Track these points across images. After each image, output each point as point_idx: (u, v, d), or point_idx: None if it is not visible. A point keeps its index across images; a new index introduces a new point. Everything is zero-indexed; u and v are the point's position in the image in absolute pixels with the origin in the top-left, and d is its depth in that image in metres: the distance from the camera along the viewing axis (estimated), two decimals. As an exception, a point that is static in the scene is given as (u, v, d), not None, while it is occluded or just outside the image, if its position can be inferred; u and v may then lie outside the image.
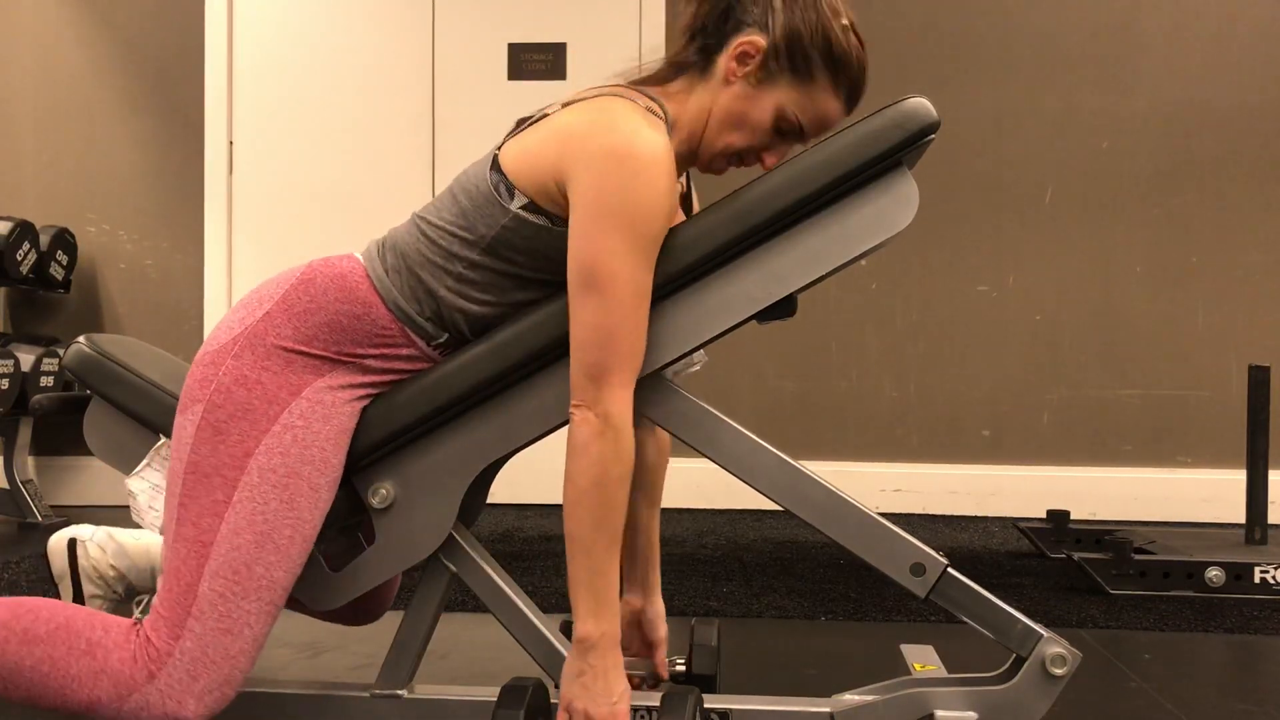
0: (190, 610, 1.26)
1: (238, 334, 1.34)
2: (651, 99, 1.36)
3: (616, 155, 1.25)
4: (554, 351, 1.33)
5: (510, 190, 1.31)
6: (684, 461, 3.91)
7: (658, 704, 1.28)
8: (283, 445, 1.30)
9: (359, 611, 1.63)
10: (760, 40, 1.34)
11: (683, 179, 1.52)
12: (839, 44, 1.34)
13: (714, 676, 1.58)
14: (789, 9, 1.34)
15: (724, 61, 1.36)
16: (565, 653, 1.37)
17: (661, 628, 1.62)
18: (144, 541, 1.71)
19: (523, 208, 1.30)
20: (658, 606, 1.63)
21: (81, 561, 1.69)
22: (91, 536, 1.70)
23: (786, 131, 1.37)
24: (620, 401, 1.25)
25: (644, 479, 1.61)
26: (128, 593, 1.72)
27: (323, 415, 1.32)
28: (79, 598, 1.69)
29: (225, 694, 1.27)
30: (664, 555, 3.07)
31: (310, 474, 1.31)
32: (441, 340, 1.37)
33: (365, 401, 1.37)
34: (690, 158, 1.42)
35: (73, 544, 1.69)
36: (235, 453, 1.29)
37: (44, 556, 1.71)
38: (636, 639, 1.63)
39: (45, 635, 1.28)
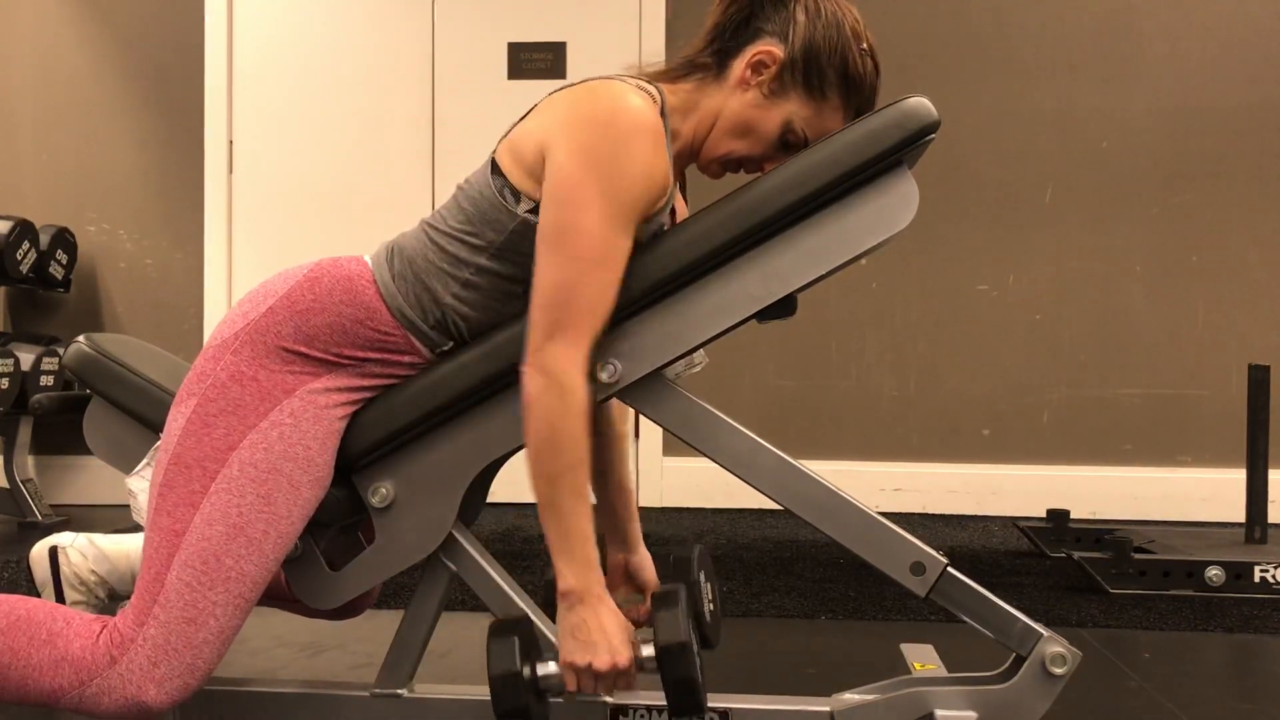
0: (157, 598, 1.26)
1: (240, 329, 1.34)
2: (648, 85, 1.36)
3: (598, 120, 1.26)
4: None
5: (515, 194, 1.31)
6: (684, 461, 3.93)
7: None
8: (267, 441, 1.30)
9: (345, 607, 1.63)
10: (778, 51, 1.34)
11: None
12: (855, 66, 1.35)
13: (695, 584, 1.55)
14: (811, 24, 1.34)
15: (738, 67, 1.36)
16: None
17: (649, 574, 1.61)
18: (124, 546, 1.72)
19: (529, 211, 1.30)
20: (642, 554, 1.61)
21: (63, 568, 1.69)
22: (72, 543, 1.71)
23: (791, 145, 1.37)
24: (566, 359, 1.24)
25: (608, 431, 1.59)
26: (110, 597, 1.72)
27: (313, 416, 1.32)
28: (62, 604, 1.70)
29: (188, 683, 1.26)
30: (663, 551, 3.07)
31: (292, 471, 1.31)
32: (446, 349, 1.38)
33: (358, 406, 1.37)
34: (690, 156, 1.42)
35: (54, 551, 1.70)
36: (219, 446, 1.29)
37: (27, 565, 1.72)
38: (627, 590, 1.62)
39: (5, 628, 1.29)
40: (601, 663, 1.23)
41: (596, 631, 1.24)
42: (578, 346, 1.25)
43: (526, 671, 1.23)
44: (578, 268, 1.25)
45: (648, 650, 1.25)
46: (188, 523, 1.28)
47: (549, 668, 1.26)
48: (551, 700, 1.28)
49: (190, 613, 1.26)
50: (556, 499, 1.25)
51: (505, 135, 1.37)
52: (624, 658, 1.24)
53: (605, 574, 1.48)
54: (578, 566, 1.26)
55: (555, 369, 1.24)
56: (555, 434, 1.24)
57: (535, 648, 1.28)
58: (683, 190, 1.57)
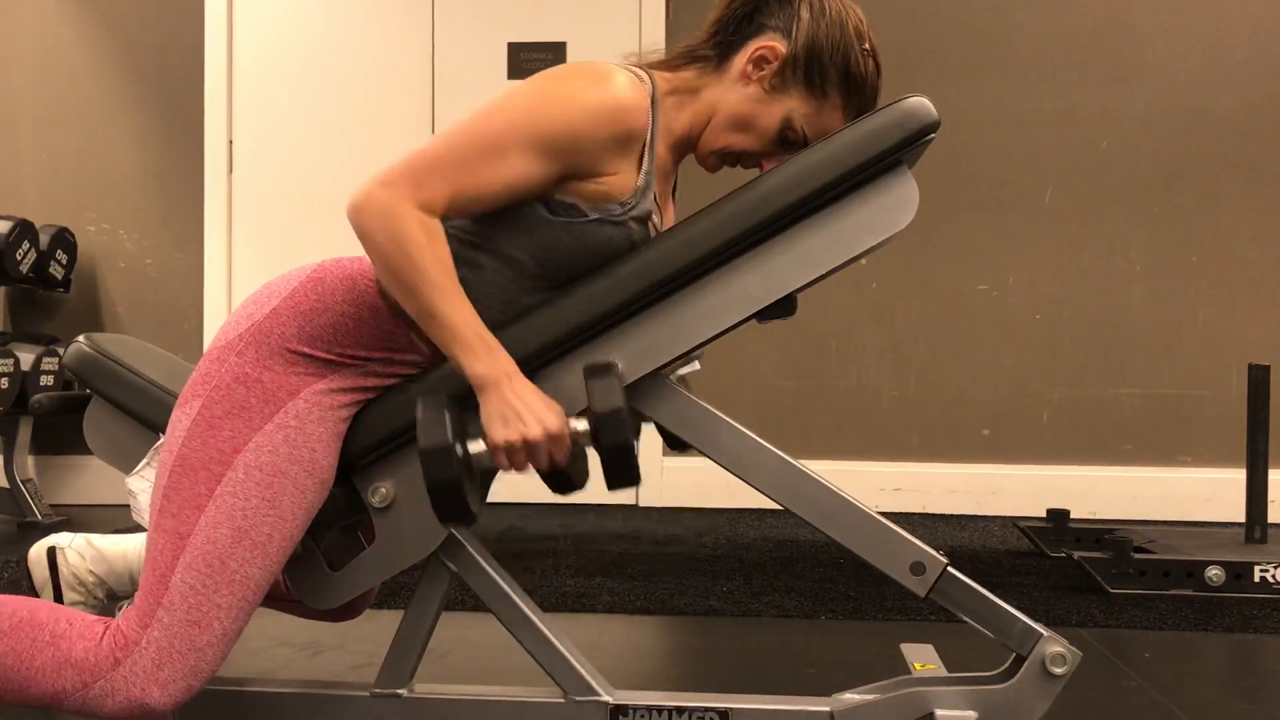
0: (161, 600, 1.26)
1: (244, 330, 1.34)
2: (640, 70, 1.36)
3: (569, 66, 1.31)
4: (552, 351, 1.33)
5: None
6: (684, 460, 3.93)
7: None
8: (273, 444, 1.30)
9: (343, 607, 1.63)
10: (780, 47, 1.34)
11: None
12: (857, 66, 1.35)
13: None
14: (815, 22, 1.34)
15: (740, 61, 1.36)
16: (567, 654, 1.37)
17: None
18: (122, 546, 1.72)
19: (526, 204, 1.30)
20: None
21: (62, 569, 1.69)
22: (70, 543, 1.71)
23: (790, 142, 1.37)
24: (397, 195, 1.23)
25: None
26: (109, 597, 1.72)
27: (318, 417, 1.32)
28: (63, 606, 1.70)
29: (191, 685, 1.26)
30: (664, 554, 3.08)
31: (297, 474, 1.31)
32: None
33: (361, 406, 1.37)
34: (687, 146, 1.42)
35: (52, 552, 1.70)
36: (224, 448, 1.29)
37: (25, 567, 1.72)
38: None
39: (8, 630, 1.28)
40: (533, 432, 1.22)
41: (520, 405, 1.23)
42: (417, 190, 1.24)
43: (459, 450, 1.21)
44: (463, 146, 1.25)
45: (580, 424, 1.23)
46: (193, 525, 1.28)
47: (480, 445, 1.24)
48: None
49: (195, 615, 1.26)
50: (426, 305, 1.24)
51: None
52: (553, 424, 1.22)
53: None
54: (479, 353, 1.24)
55: (378, 194, 1.24)
56: (395, 248, 1.23)
57: (466, 424, 1.25)
58: (674, 192, 1.56)
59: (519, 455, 1.24)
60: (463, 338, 1.24)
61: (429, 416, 1.21)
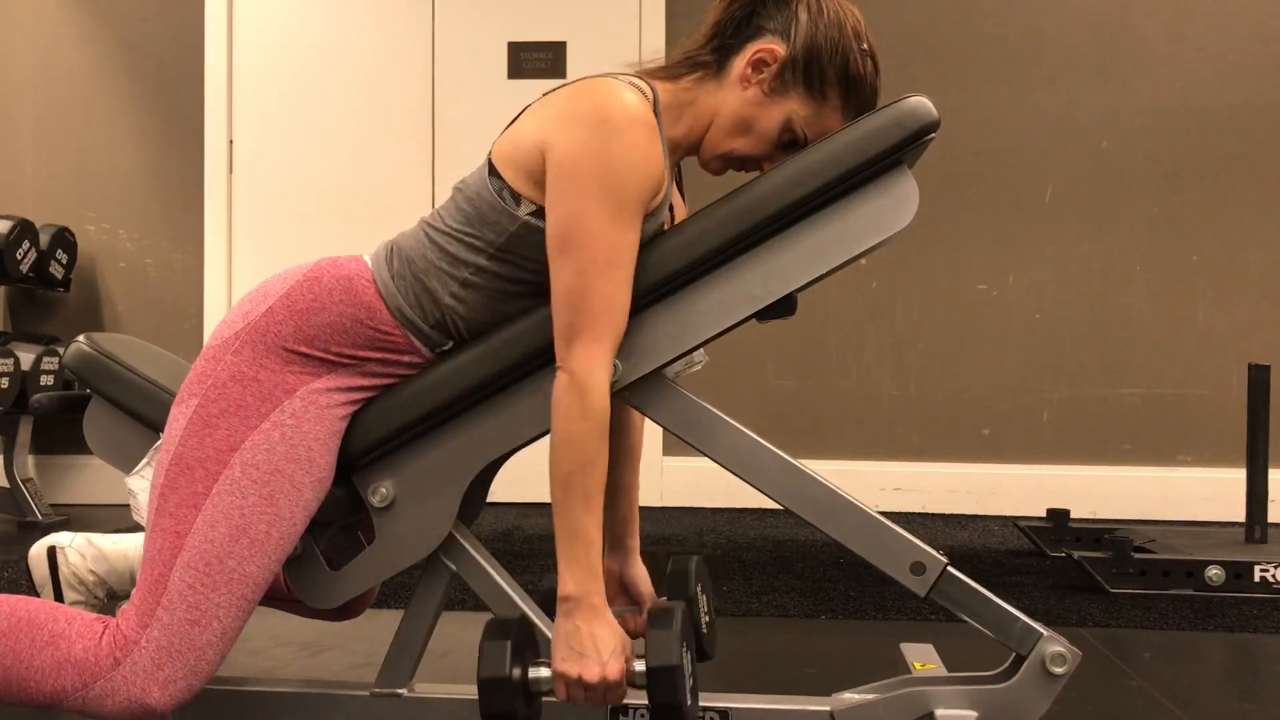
0: (160, 600, 1.26)
1: (240, 329, 1.34)
2: (641, 81, 1.36)
3: (593, 118, 1.26)
4: (552, 351, 1.33)
5: (516, 197, 1.31)
6: (684, 460, 3.93)
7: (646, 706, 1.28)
8: (269, 442, 1.30)
9: (344, 607, 1.63)
10: (779, 49, 1.34)
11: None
12: (856, 66, 1.35)
13: (693, 598, 1.54)
14: (813, 23, 1.34)
15: (739, 64, 1.36)
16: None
17: (644, 586, 1.60)
18: (122, 546, 1.72)
19: (531, 214, 1.31)
20: (638, 566, 1.60)
21: (62, 569, 1.69)
22: (70, 543, 1.71)
23: (790, 144, 1.37)
24: (587, 359, 1.25)
25: (623, 439, 1.59)
26: (109, 596, 1.72)
27: (314, 416, 1.32)
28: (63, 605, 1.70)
29: (191, 684, 1.27)
30: (664, 553, 3.07)
31: (294, 472, 1.31)
32: (446, 348, 1.38)
33: (359, 406, 1.37)
34: (688, 151, 1.42)
35: (52, 551, 1.70)
36: (221, 447, 1.29)
37: (26, 566, 1.72)
38: (621, 601, 1.61)
39: (7, 630, 1.28)
40: (591, 675, 1.22)
41: (589, 642, 1.23)
42: (596, 344, 1.26)
43: (516, 674, 1.23)
44: (589, 270, 1.25)
45: (639, 665, 1.24)
46: (190, 524, 1.28)
47: (541, 671, 1.26)
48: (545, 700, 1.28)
49: (194, 614, 1.26)
50: (567, 502, 1.25)
51: (501, 135, 1.37)
52: (614, 672, 1.23)
53: None
54: (580, 573, 1.25)
55: (575, 369, 1.25)
56: (570, 435, 1.25)
57: (529, 649, 1.28)
58: (681, 189, 1.57)
59: (577, 690, 1.24)
60: (575, 551, 1.25)
61: (490, 645, 1.23)
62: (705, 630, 1.49)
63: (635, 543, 1.62)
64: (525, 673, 1.25)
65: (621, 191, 1.25)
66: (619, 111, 1.26)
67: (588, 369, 1.25)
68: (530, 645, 1.29)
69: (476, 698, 1.27)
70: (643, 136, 1.26)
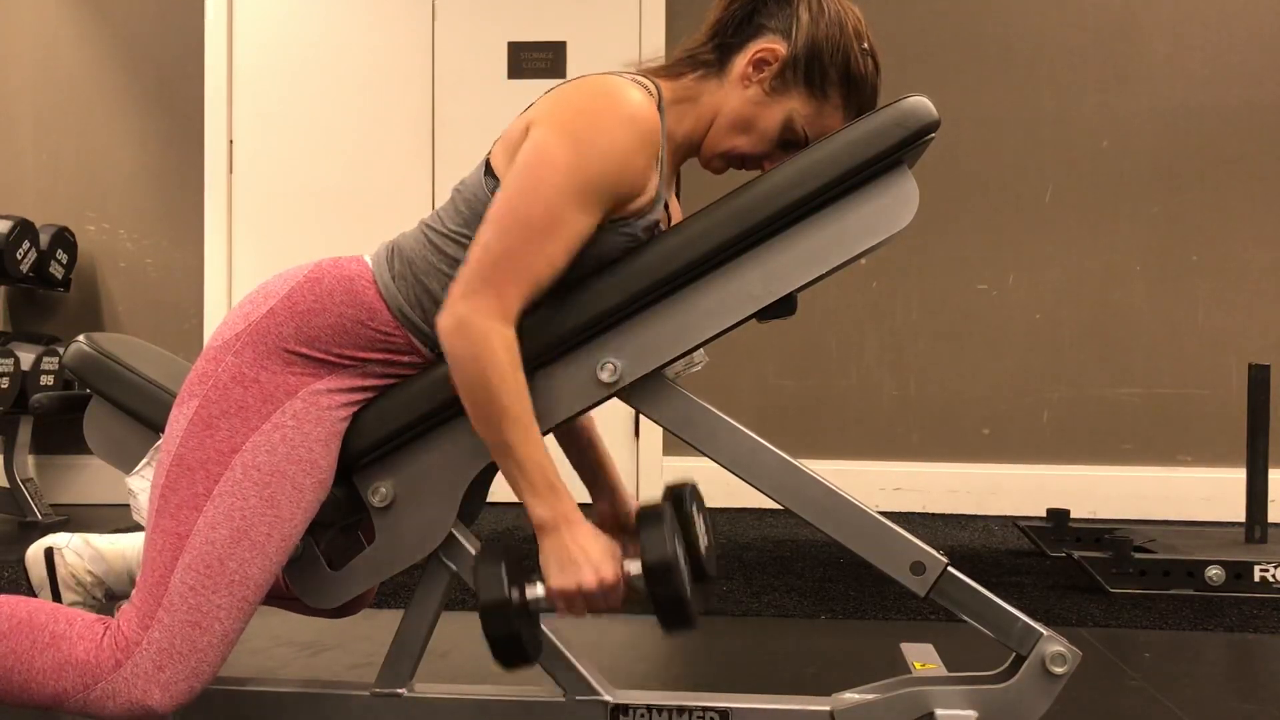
0: (161, 601, 1.26)
1: (240, 330, 1.34)
2: (645, 79, 1.36)
3: (585, 103, 1.28)
4: (552, 352, 1.33)
5: None
6: (683, 460, 3.93)
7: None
8: (270, 444, 1.30)
9: (342, 605, 1.62)
10: (780, 48, 1.34)
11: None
12: (857, 66, 1.35)
13: (688, 516, 1.51)
14: (814, 23, 1.34)
15: (740, 63, 1.36)
16: (567, 653, 1.37)
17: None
18: (120, 546, 1.71)
19: None
20: (625, 501, 1.61)
21: (59, 569, 1.69)
22: (68, 543, 1.70)
23: (791, 143, 1.37)
24: (486, 311, 1.24)
25: None
26: (108, 597, 1.72)
27: (315, 417, 1.32)
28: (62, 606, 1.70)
29: (192, 686, 1.27)
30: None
31: (295, 473, 1.31)
32: None
33: (360, 406, 1.37)
34: (689, 150, 1.42)
35: (49, 552, 1.70)
36: (222, 448, 1.29)
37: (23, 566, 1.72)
38: (621, 539, 1.61)
39: (7, 631, 1.28)
40: (588, 581, 1.22)
41: (578, 552, 1.24)
42: (499, 301, 1.24)
43: (515, 596, 1.22)
44: (522, 232, 1.24)
45: (634, 568, 1.24)
46: (191, 525, 1.27)
47: (539, 590, 1.25)
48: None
49: (195, 616, 1.26)
50: (502, 439, 1.25)
51: (500, 137, 1.37)
52: (610, 572, 1.23)
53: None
54: (543, 496, 1.25)
55: (468, 317, 1.24)
56: (481, 379, 1.24)
57: (523, 571, 1.27)
58: (678, 190, 1.56)
59: (576, 602, 1.24)
60: (532, 479, 1.26)
61: (486, 570, 1.23)
62: (704, 551, 1.47)
63: (615, 478, 1.61)
64: (524, 593, 1.24)
65: (589, 171, 1.25)
66: (618, 104, 1.26)
67: (484, 317, 1.23)
68: (523, 568, 1.28)
69: (477, 697, 1.28)
70: (632, 135, 1.26)
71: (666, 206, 1.48)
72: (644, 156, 1.28)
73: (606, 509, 1.60)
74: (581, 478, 1.60)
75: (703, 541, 1.48)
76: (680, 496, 1.49)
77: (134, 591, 1.30)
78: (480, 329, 1.24)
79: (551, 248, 1.25)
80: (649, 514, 1.25)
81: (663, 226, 1.40)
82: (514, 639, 1.22)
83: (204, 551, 1.27)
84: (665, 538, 1.21)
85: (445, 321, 1.25)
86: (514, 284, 1.25)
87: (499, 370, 1.24)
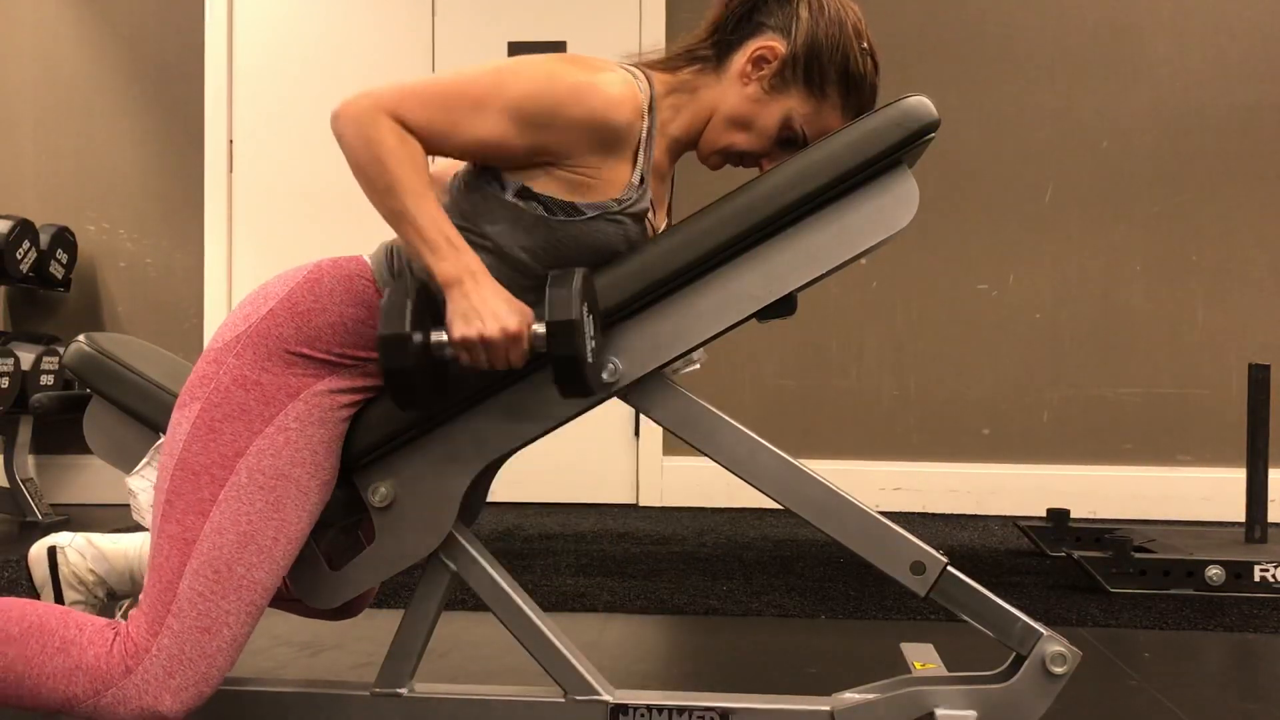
0: (170, 607, 1.26)
1: (241, 332, 1.34)
2: (639, 70, 1.36)
3: (560, 55, 1.31)
4: (554, 350, 1.33)
5: (500, 180, 1.31)
6: (684, 460, 3.93)
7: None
8: (274, 447, 1.30)
9: (343, 606, 1.63)
10: (779, 46, 1.35)
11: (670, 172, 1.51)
12: (856, 65, 1.35)
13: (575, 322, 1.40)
14: (814, 21, 1.34)
15: (739, 61, 1.36)
16: (567, 653, 1.37)
17: None
18: (122, 546, 1.71)
19: (516, 194, 1.30)
20: None
21: (62, 568, 1.69)
22: (70, 543, 1.71)
23: (789, 140, 1.37)
24: (376, 106, 1.27)
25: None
26: (109, 596, 1.72)
27: (318, 419, 1.32)
28: (61, 604, 1.70)
29: (202, 691, 1.27)
30: (664, 553, 3.08)
31: (300, 477, 1.31)
32: None
33: (360, 406, 1.37)
34: (686, 145, 1.42)
35: (52, 551, 1.70)
36: (226, 452, 1.29)
37: (26, 566, 1.72)
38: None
39: (18, 635, 1.28)
40: (491, 330, 1.23)
41: (481, 305, 1.24)
42: (395, 106, 1.27)
43: (418, 337, 1.22)
44: (448, 86, 1.28)
45: (539, 328, 1.24)
46: (197, 531, 1.27)
47: (442, 335, 1.26)
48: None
49: (204, 621, 1.26)
50: (396, 207, 1.26)
51: None
52: (514, 324, 1.23)
53: None
54: (444, 254, 1.26)
55: (359, 103, 1.28)
56: (371, 155, 1.26)
57: (432, 314, 1.27)
58: (669, 202, 1.56)
59: (478, 352, 1.24)
60: (430, 238, 1.26)
61: (391, 304, 1.23)
62: (591, 359, 1.43)
63: None
64: (427, 335, 1.25)
65: (527, 90, 1.26)
66: (586, 67, 1.28)
67: (374, 108, 1.27)
68: (433, 312, 1.28)
69: (477, 697, 1.28)
70: (597, 96, 1.26)
71: (653, 204, 1.48)
72: (582, 115, 1.27)
73: None
74: None
75: (590, 349, 1.42)
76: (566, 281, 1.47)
77: (141, 597, 1.30)
78: (368, 111, 1.27)
79: (463, 120, 1.27)
80: (559, 276, 1.23)
81: (654, 220, 1.40)
82: (407, 373, 1.22)
83: (211, 557, 1.27)
84: (571, 302, 1.20)
85: (335, 107, 1.29)
86: (419, 109, 1.27)
87: (384, 142, 1.26)
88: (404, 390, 1.24)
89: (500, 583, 1.39)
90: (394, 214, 1.27)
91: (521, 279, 1.34)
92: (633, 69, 1.35)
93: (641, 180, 1.33)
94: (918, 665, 1.56)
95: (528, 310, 1.27)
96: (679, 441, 1.40)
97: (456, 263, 1.25)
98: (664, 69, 1.40)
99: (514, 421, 1.36)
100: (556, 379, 1.23)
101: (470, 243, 1.33)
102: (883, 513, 1.35)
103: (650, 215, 1.38)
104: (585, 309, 1.22)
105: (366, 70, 4.08)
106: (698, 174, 1.49)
